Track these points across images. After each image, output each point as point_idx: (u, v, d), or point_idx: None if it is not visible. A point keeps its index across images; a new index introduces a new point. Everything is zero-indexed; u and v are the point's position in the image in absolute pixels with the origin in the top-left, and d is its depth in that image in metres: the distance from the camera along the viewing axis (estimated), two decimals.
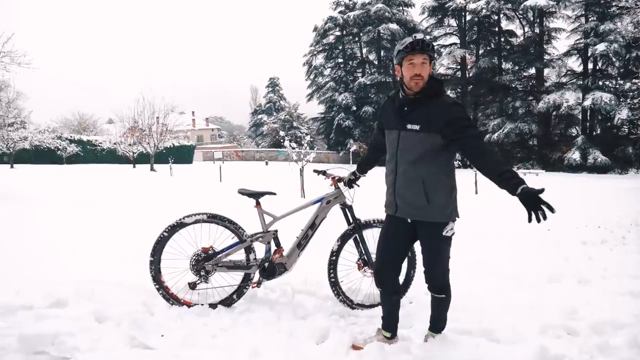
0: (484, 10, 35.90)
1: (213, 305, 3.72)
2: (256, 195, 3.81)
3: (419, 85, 2.81)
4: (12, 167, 27.40)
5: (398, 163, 2.95)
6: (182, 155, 40.15)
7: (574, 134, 36.04)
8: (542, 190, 2.46)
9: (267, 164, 41.71)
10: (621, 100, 31.11)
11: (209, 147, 60.01)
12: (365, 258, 3.87)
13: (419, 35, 2.81)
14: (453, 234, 2.96)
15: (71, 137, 37.65)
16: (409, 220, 2.98)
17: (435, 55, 2.60)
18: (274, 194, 3.92)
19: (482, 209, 10.30)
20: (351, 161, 41.73)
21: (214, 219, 3.74)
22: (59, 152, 34.29)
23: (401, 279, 3.32)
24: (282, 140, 14.84)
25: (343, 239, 3.88)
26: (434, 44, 39.33)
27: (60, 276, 4.31)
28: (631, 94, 29.75)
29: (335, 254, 3.87)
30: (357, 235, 3.86)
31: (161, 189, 14.57)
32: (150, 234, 3.93)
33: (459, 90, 41.71)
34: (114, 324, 3.27)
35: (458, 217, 2.99)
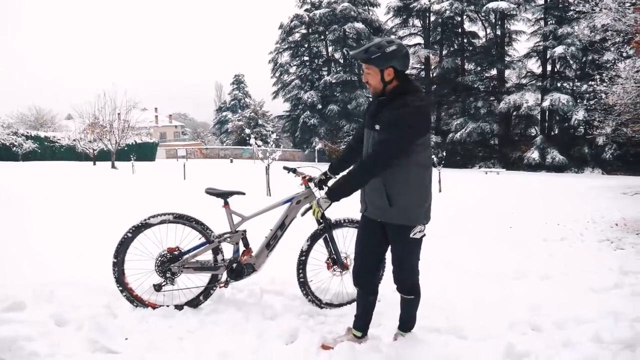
0: (447, 12, 36.46)
1: (179, 307, 3.63)
2: (224, 195, 3.73)
3: (373, 92, 2.92)
4: None
5: None
6: (144, 152, 39.35)
7: (533, 134, 37.05)
8: (319, 209, 2.96)
9: (232, 161, 41.31)
10: (578, 101, 32.15)
11: (172, 145, 59.07)
12: (335, 257, 3.85)
13: (353, 52, 2.95)
14: (423, 235, 2.94)
15: (28, 133, 36.35)
16: (379, 220, 2.98)
17: (385, 64, 2.58)
18: (243, 193, 3.85)
19: (446, 207, 10.44)
20: (316, 159, 41.79)
21: (180, 219, 3.65)
22: (15, 148, 33.05)
23: None
24: (247, 138, 14.72)
25: (313, 239, 3.85)
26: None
27: (17, 278, 4.12)
28: (587, 95, 30.60)
29: (304, 254, 3.84)
30: (327, 235, 3.83)
31: (123, 187, 14.22)
32: (112, 234, 3.82)
33: (423, 89, 42.20)
34: (75, 328, 3.15)
35: (427, 220, 2.95)
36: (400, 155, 2.77)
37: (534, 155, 32.97)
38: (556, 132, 36.72)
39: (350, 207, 3.99)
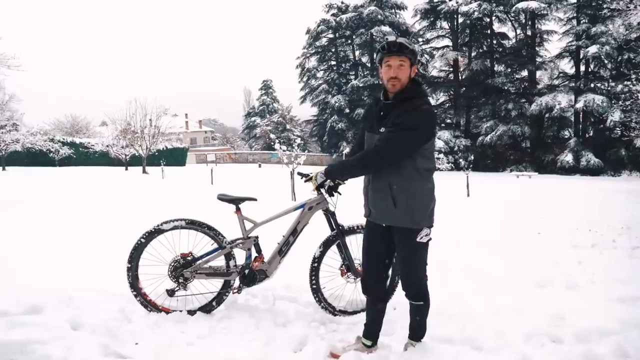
0: (476, 13, 35.95)
1: (192, 312, 3.64)
2: (236, 201, 3.73)
3: (396, 88, 2.80)
4: (3, 169, 27.20)
5: None
6: (174, 157, 39.99)
7: (566, 136, 36.14)
8: (315, 182, 3.24)
9: (260, 166, 41.62)
10: (613, 102, 31.20)
11: (202, 150, 59.86)
12: (348, 264, 3.80)
13: (398, 38, 2.79)
14: (429, 240, 2.90)
15: (63, 139, 37.43)
16: (384, 225, 2.93)
17: (419, 58, 2.55)
18: (255, 199, 3.84)
19: (473, 212, 10.26)
20: None
21: (192, 224, 3.66)
22: (51, 154, 34.04)
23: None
24: (273, 143, 14.79)
25: (326, 245, 3.81)
26: (426, 46, 39.53)
27: (38, 281, 4.22)
28: (623, 96, 29.79)
29: (317, 260, 3.80)
30: (340, 241, 3.79)
31: (152, 192, 14.47)
32: (133, 237, 3.84)
33: (451, 92, 41.78)
34: (89, 332, 3.19)
35: (432, 224, 2.92)
36: (402, 156, 2.76)
37: (567, 158, 32.13)
38: (591, 134, 35.73)
39: (361, 213, 3.94)
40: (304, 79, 51.57)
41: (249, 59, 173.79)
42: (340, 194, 3.68)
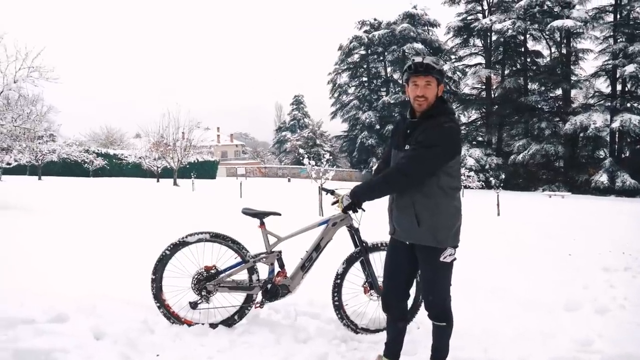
0: (509, 31, 35.64)
1: (214, 325, 3.66)
2: (260, 215, 3.75)
3: (422, 107, 2.81)
4: (39, 179, 28.01)
5: None
6: (205, 170, 40.56)
7: (601, 156, 35.28)
8: (341, 204, 3.18)
9: (289, 180, 41.80)
10: None
11: (232, 163, 60.57)
12: (372, 281, 3.78)
13: (420, 58, 2.81)
14: (454, 259, 2.86)
15: (98, 150, 38.44)
16: (408, 243, 2.92)
17: (452, 75, 2.58)
18: (279, 214, 3.86)
19: (503, 232, 10.07)
20: None
21: (217, 238, 3.70)
22: (86, 165, 34.97)
23: (410, 302, 3.23)
24: (301, 158, 14.86)
25: (349, 262, 3.80)
26: (459, 64, 39.35)
27: (64, 289, 4.31)
28: None
29: (340, 277, 3.79)
30: (363, 258, 3.77)
31: (182, 204, 14.67)
32: (159, 248, 3.90)
33: (483, 110, 41.36)
34: (111, 341, 3.24)
35: (456, 244, 2.89)
36: (425, 174, 2.74)
37: (602, 178, 31.34)
38: (627, 154, 34.81)
39: (385, 230, 3.91)
40: (335, 95, 51.90)
41: (282, 74, 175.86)
42: (364, 211, 3.67)
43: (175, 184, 28.58)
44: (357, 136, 48.21)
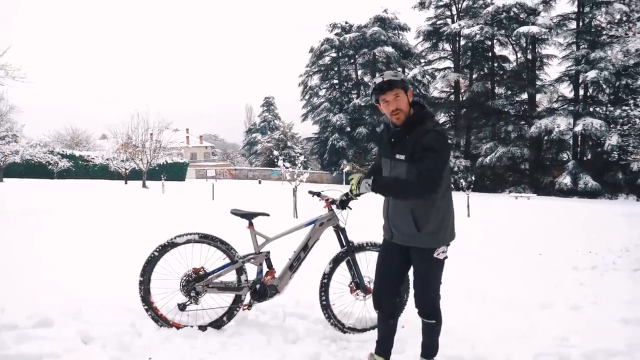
0: (477, 36, 36.34)
1: (203, 327, 3.66)
2: (249, 216, 3.78)
3: (401, 119, 2.90)
4: (1, 180, 27.19)
5: None
6: (175, 172, 40.05)
7: (565, 159, 36.29)
8: (357, 187, 3.07)
9: (260, 182, 41.65)
10: (611, 126, 31.43)
11: (202, 165, 59.95)
12: (358, 281, 3.84)
13: (381, 78, 2.91)
14: (445, 257, 2.95)
15: (63, 152, 37.49)
16: (406, 246, 2.99)
17: (421, 79, 2.69)
18: (267, 215, 3.89)
19: (474, 232, 10.29)
20: (344, 182, 41.77)
21: (205, 239, 3.70)
22: (50, 166, 34.08)
23: None
24: (275, 160, 14.87)
25: (335, 262, 3.85)
26: (428, 67, 39.86)
27: (46, 294, 4.23)
28: (621, 120, 30.05)
29: (327, 277, 3.84)
30: (349, 258, 3.83)
31: (153, 207, 14.48)
32: (140, 253, 3.88)
33: (452, 113, 42.03)
34: (100, 346, 3.21)
35: (453, 238, 2.99)
36: (441, 181, 2.80)
37: (565, 180, 32.25)
38: (589, 157, 35.89)
39: (371, 230, 3.98)
40: (306, 97, 51.91)
41: (252, 75, 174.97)
42: (350, 209, 3.75)
43: (144, 186, 28.16)
44: (327, 138, 48.31)
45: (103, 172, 36.34)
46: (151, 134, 31.08)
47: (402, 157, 2.87)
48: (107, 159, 34.71)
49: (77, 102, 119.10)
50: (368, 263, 3.82)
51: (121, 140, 32.37)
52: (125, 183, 30.84)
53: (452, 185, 3.05)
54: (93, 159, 37.94)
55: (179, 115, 75.20)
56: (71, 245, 6.90)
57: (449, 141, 2.96)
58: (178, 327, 3.64)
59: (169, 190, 24.54)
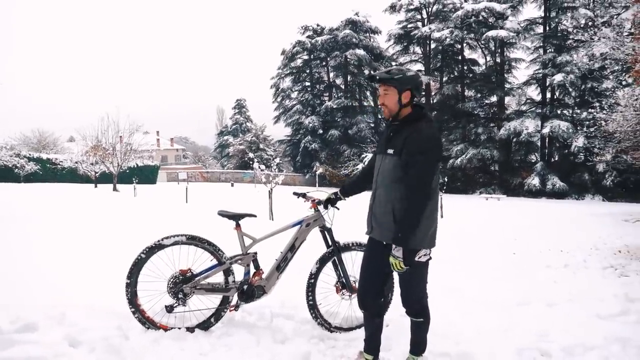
0: (447, 39, 36.92)
1: (190, 329, 3.66)
2: (236, 217, 3.79)
3: (385, 113, 3.02)
4: None
5: (377, 185, 3.07)
6: (145, 175, 39.44)
7: (533, 161, 37.15)
8: (398, 259, 2.86)
9: (232, 185, 41.38)
10: (578, 128, 32.34)
11: (173, 168, 59.20)
12: (344, 281, 3.89)
13: (378, 73, 3.01)
14: (429, 259, 2.99)
15: (30, 155, 36.52)
16: (385, 243, 3.03)
17: (407, 87, 2.71)
18: (255, 216, 3.91)
19: (448, 233, 10.45)
20: (317, 184, 41.83)
21: (193, 240, 3.70)
22: (17, 170, 33.16)
23: None
24: (251, 162, 14.84)
25: (322, 262, 3.89)
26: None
27: (27, 299, 4.16)
28: (587, 122, 30.86)
29: (313, 277, 3.88)
30: (335, 258, 3.88)
31: (126, 210, 14.24)
32: (119, 256, 3.84)
33: None
34: (88, 349, 3.18)
35: (433, 246, 2.99)
36: (432, 180, 2.85)
37: (534, 181, 33.02)
38: (556, 158, 36.84)
39: (357, 230, 4.02)
40: (278, 99, 51.80)
41: (223, 78, 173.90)
42: (338, 209, 3.81)
43: (115, 189, 27.67)
44: (300, 141, 48.28)
45: (71, 176, 35.50)
46: (120, 137, 30.57)
47: (392, 151, 2.94)
48: (76, 162, 33.95)
49: (43, 105, 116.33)
50: (354, 263, 3.87)
51: (90, 143, 31.70)
52: (95, 186, 30.21)
53: (438, 189, 3.10)
54: (61, 162, 37.03)
55: (149, 118, 74.43)
56: (48, 250, 6.75)
57: (440, 142, 3.01)
58: (165, 329, 3.63)
59: (141, 193, 24.17)
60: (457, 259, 7.43)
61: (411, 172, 2.83)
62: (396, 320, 4.01)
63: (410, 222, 2.83)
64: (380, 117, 44.73)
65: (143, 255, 3.59)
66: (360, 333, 3.63)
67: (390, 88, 2.95)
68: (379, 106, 3.04)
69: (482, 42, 37.37)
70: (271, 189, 13.44)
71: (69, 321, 3.62)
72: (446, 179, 20.41)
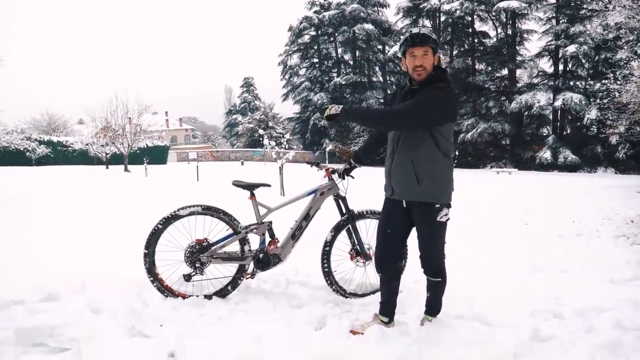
0: (458, 12, 36.38)
1: (208, 297, 3.74)
2: (251, 187, 3.84)
3: (422, 76, 2.94)
4: None
5: (394, 147, 3.09)
6: (156, 155, 39.66)
7: (545, 134, 36.85)
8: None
9: (242, 164, 41.47)
10: (590, 100, 31.94)
11: (183, 148, 59.41)
12: (358, 248, 3.94)
13: (420, 29, 2.94)
14: (448, 219, 3.04)
15: (41, 138, 36.79)
16: (404, 205, 3.06)
17: (439, 50, 2.75)
18: (269, 185, 3.97)
19: (459, 206, 10.45)
20: (327, 160, 41.85)
21: (208, 210, 3.76)
22: (28, 153, 33.47)
23: None
24: (261, 139, 14.87)
25: (337, 230, 3.94)
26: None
27: (49, 271, 4.26)
28: (600, 94, 30.55)
29: (329, 244, 3.93)
30: (350, 225, 3.92)
31: (139, 189, 14.39)
32: (134, 230, 3.90)
33: None
34: (110, 315, 3.26)
35: (450, 203, 3.06)
36: (415, 123, 2.89)
37: (546, 155, 32.78)
38: (568, 131, 36.48)
39: (371, 199, 4.05)
40: (286, 77, 51.62)
41: (230, 56, 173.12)
42: (353, 178, 3.84)
43: (126, 170, 27.88)
44: (309, 118, 48.23)
45: (83, 158, 35.80)
46: (129, 118, 30.67)
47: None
48: (87, 144, 34.18)
49: (53, 88, 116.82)
50: (368, 230, 3.91)
51: (100, 125, 31.83)
52: (107, 168, 30.46)
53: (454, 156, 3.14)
54: (72, 144, 37.28)
55: (157, 98, 74.43)
56: (66, 226, 6.90)
57: (454, 103, 3.07)
58: (184, 297, 3.71)
59: (152, 173, 24.36)
60: (470, 230, 7.47)
61: (407, 102, 2.88)
62: (410, 286, 4.06)
63: (365, 114, 3.13)
64: (389, 92, 44.44)
65: (160, 226, 3.66)
66: (375, 298, 3.70)
67: (429, 49, 2.93)
68: (413, 69, 2.93)
69: (493, 13, 36.78)
70: (282, 165, 13.49)
71: (90, 290, 3.71)
72: (457, 153, 20.28)
